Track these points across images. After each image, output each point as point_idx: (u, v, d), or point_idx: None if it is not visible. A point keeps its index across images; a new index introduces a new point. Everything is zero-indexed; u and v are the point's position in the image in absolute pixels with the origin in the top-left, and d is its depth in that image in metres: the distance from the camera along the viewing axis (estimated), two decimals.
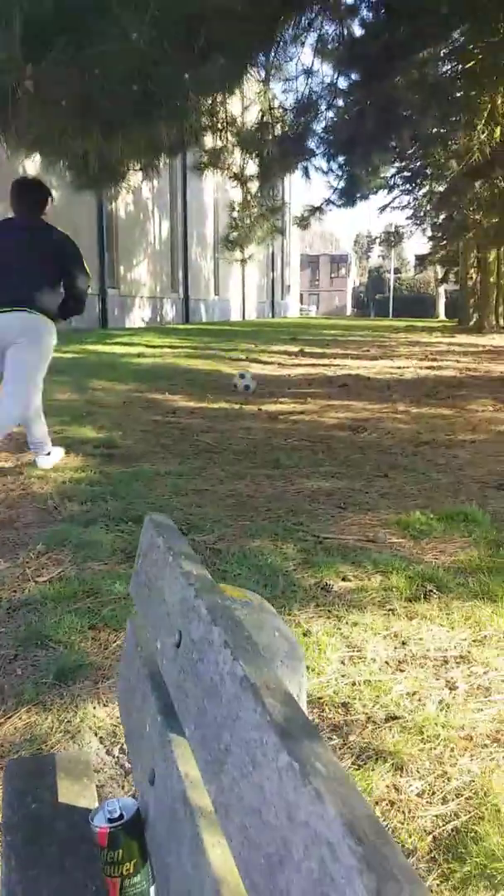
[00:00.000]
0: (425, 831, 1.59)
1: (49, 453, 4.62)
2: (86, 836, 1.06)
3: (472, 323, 21.29)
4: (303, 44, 10.09)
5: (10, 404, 4.29)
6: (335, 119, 10.58)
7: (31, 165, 13.37)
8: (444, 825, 1.61)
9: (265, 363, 10.79)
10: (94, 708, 2.07)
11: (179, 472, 4.59)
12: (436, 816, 1.64)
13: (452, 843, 1.55)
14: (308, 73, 11.00)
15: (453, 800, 1.68)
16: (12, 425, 4.43)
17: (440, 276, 31.40)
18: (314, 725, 0.66)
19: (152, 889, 0.97)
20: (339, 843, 0.51)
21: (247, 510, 3.86)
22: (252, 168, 11.47)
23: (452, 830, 1.59)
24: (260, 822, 0.63)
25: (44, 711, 2.06)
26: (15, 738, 1.95)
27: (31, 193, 4.39)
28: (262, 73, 11.10)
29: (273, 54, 10.04)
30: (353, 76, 10.71)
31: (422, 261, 28.39)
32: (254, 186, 12.29)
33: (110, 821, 0.96)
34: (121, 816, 0.96)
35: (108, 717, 2.03)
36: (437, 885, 1.44)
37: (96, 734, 1.97)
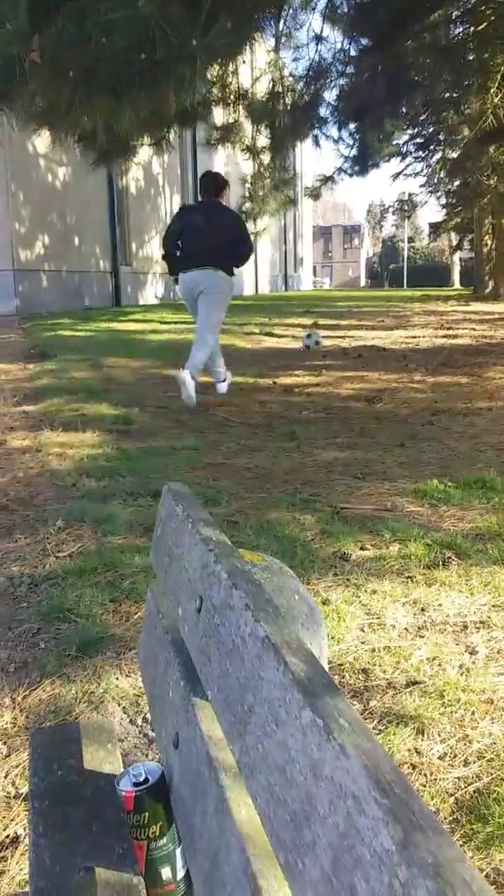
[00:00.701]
0: (447, 793, 1.60)
1: (225, 380, 6.40)
2: (112, 801, 1.08)
3: (487, 291, 21.01)
4: (313, 9, 9.91)
5: (195, 350, 5.90)
6: (346, 86, 10.41)
7: (41, 143, 13.30)
8: (465, 787, 1.62)
9: (279, 336, 10.73)
10: (117, 679, 2.09)
11: (195, 446, 4.60)
12: (457, 779, 1.64)
13: (475, 804, 1.56)
14: (318, 39, 10.81)
15: (475, 762, 1.69)
16: (200, 367, 5.91)
17: (454, 243, 30.97)
18: (336, 684, 0.66)
19: (178, 851, 0.98)
20: (364, 797, 0.51)
21: (263, 482, 3.86)
22: (263, 140, 11.33)
23: (474, 792, 1.60)
24: (285, 779, 0.63)
25: (67, 683, 2.08)
26: (40, 710, 1.98)
27: (212, 183, 5.94)
28: (272, 42, 10.93)
29: (282, 21, 9.87)
30: (364, 41, 10.52)
31: (436, 229, 27.99)
32: (266, 158, 12.15)
33: (136, 785, 0.97)
34: (146, 780, 0.97)
35: (131, 688, 2.05)
36: (462, 845, 1.45)
37: (119, 704, 1.99)
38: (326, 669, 1.97)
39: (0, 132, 9.65)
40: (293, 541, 3.01)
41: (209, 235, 5.76)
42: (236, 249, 5.93)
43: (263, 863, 0.70)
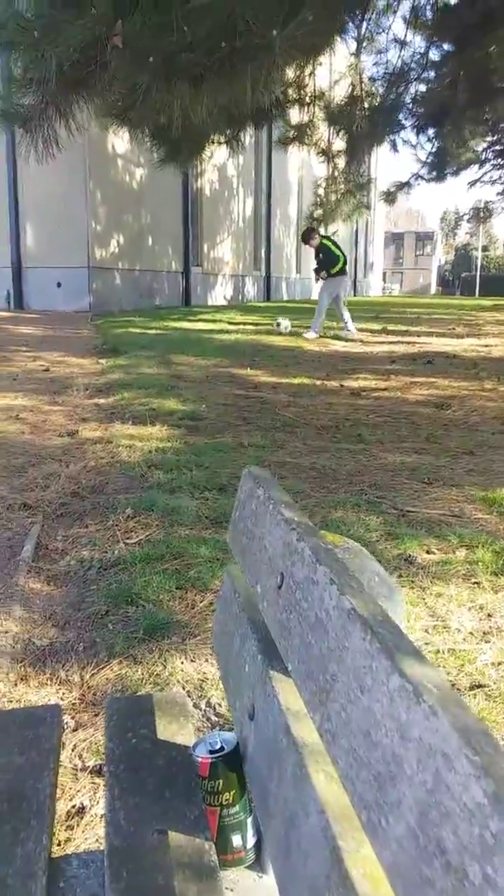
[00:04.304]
0: None
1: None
2: (184, 771, 1.11)
3: None
4: (395, 13, 9.85)
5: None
6: (426, 91, 10.32)
7: (119, 143, 13.58)
8: None
9: (347, 340, 10.70)
10: (182, 663, 2.14)
11: (261, 444, 4.63)
12: None
13: None
14: (400, 43, 10.72)
15: None
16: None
17: None
18: (422, 651, 0.67)
19: (249, 820, 1.01)
20: (455, 755, 0.53)
21: (329, 482, 3.87)
22: (339, 144, 11.31)
23: None
24: (370, 742, 0.65)
25: (134, 664, 2.13)
26: (107, 688, 2.04)
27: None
28: (353, 46, 10.89)
29: (364, 24, 9.83)
30: (446, 46, 10.40)
31: None
32: (341, 162, 12.12)
33: (211, 752, 1.00)
34: (221, 748, 1.00)
35: (196, 673, 2.09)
36: None
37: (184, 687, 2.03)
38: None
39: (80, 132, 9.89)
40: (358, 541, 3.00)
41: None
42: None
43: (342, 824, 0.72)
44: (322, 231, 12.29)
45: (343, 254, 11.32)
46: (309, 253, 12.22)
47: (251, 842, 1.00)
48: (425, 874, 0.52)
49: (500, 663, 2.12)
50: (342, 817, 0.73)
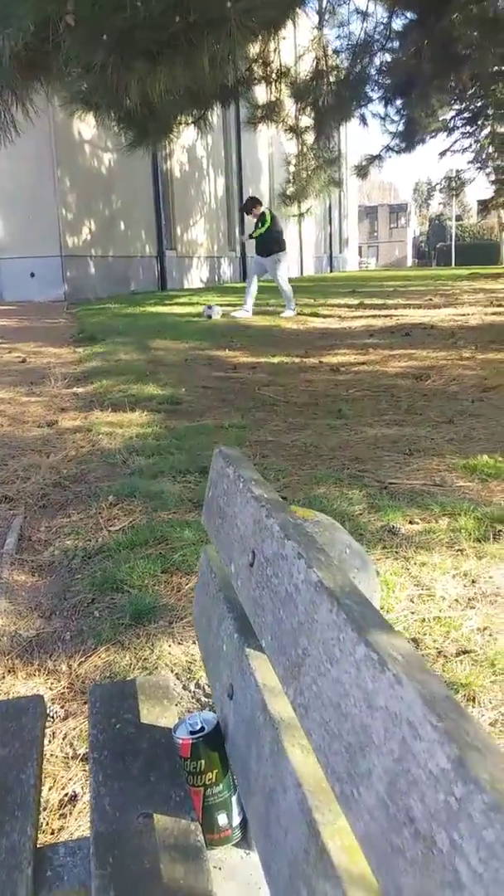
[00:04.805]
0: None
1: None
2: (168, 753, 1.11)
3: None
4: None
5: None
6: (391, 62, 10.22)
7: (86, 129, 13.39)
8: None
9: (325, 317, 10.67)
10: (170, 646, 2.13)
11: (242, 424, 4.62)
12: None
13: None
14: (362, 14, 10.60)
15: None
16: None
17: None
18: (389, 621, 0.67)
19: (234, 798, 1.01)
20: (419, 722, 0.52)
21: (311, 459, 3.86)
22: (307, 119, 11.21)
23: None
24: (340, 714, 0.64)
25: (122, 650, 2.13)
26: (96, 675, 2.03)
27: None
28: (316, 19, 10.76)
29: None
30: (409, 15, 10.29)
31: (484, 206, 27.35)
32: (310, 138, 12.01)
33: (192, 733, 1.00)
34: (202, 729, 1.00)
35: (184, 655, 2.09)
36: None
37: (172, 670, 2.03)
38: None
39: (45, 118, 9.73)
40: (342, 515, 3.01)
41: None
42: None
43: (318, 798, 0.71)
44: (296, 209, 12.20)
45: (281, 228, 11.05)
46: (285, 230, 11.91)
47: (237, 820, 1.00)
48: (396, 843, 0.52)
49: (485, 629, 2.13)
50: (319, 790, 0.72)
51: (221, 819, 1.00)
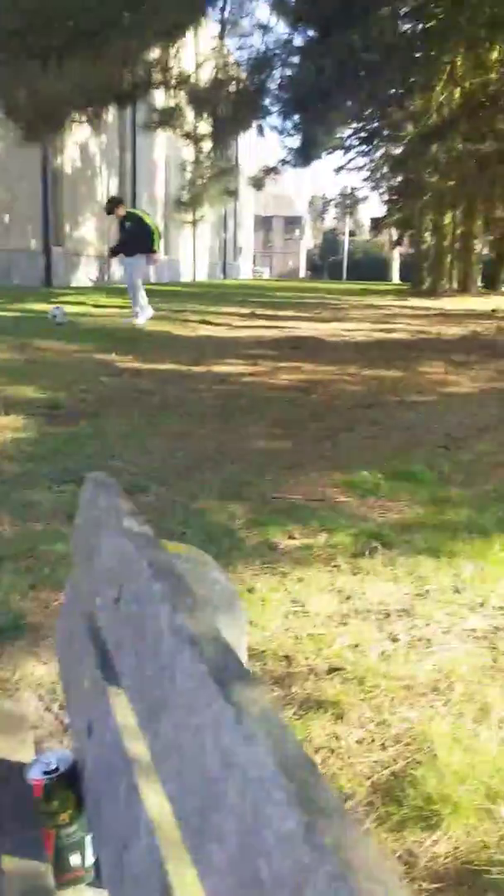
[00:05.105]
0: (364, 776, 1.63)
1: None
2: (21, 790, 1.05)
3: (425, 286, 21.35)
4: None
5: None
6: (291, 77, 10.40)
7: None
8: (382, 770, 1.65)
9: (215, 325, 10.68)
10: (34, 666, 2.05)
11: (125, 432, 4.54)
12: (374, 762, 1.68)
13: (390, 787, 1.59)
14: (264, 28, 10.73)
15: (392, 746, 1.73)
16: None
17: (395, 239, 31.28)
18: (250, 672, 0.65)
19: (88, 839, 0.97)
20: (270, 783, 0.51)
21: (193, 470, 3.84)
22: (205, 127, 11.21)
23: (390, 775, 1.63)
24: (195, 766, 0.63)
25: None
26: None
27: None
28: (218, 29, 10.79)
29: (227, 6, 9.74)
30: (310, 32, 10.50)
31: (377, 223, 28.25)
32: (207, 145, 12.01)
33: (46, 773, 0.95)
34: (56, 769, 0.96)
35: (48, 675, 2.01)
36: (375, 827, 1.48)
37: (35, 692, 1.95)
38: (244, 659, 1.97)
39: None
40: (221, 529, 3.00)
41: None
42: None
43: (172, 849, 0.69)
44: (190, 216, 12.11)
45: (156, 226, 10.17)
46: (179, 235, 11.69)
47: (91, 860, 0.96)
48: None
49: (356, 645, 2.17)
50: (173, 842, 0.70)
51: (74, 860, 0.96)
